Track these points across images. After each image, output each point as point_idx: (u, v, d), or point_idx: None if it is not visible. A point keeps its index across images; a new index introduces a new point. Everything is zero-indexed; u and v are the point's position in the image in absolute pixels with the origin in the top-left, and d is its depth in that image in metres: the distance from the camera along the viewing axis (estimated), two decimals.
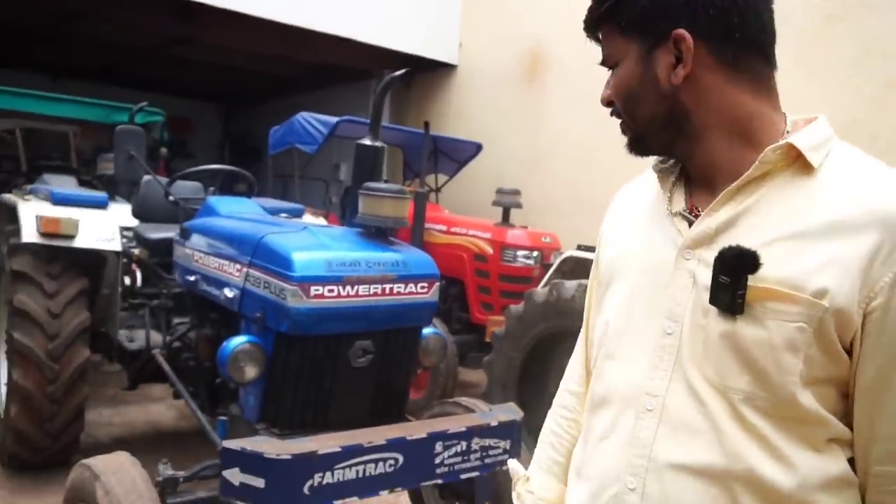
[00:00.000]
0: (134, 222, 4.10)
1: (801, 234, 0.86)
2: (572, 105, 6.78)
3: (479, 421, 2.32)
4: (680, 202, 1.01)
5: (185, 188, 4.20)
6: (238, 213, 3.11)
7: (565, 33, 6.56)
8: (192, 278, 2.91)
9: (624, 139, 1.04)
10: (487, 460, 2.30)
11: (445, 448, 2.18)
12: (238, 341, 2.28)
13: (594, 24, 1.00)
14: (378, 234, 2.44)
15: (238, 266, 2.49)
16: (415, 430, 2.17)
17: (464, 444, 2.22)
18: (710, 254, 0.90)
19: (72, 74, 12.29)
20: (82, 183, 5.99)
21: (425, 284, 2.44)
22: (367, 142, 2.53)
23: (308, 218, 4.18)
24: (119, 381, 4.07)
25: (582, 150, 6.64)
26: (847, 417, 0.89)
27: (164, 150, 7.31)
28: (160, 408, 4.91)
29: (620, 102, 1.00)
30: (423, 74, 8.67)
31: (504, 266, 5.27)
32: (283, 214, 3.82)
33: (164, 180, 3.63)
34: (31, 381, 3.38)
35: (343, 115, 5.87)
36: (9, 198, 4.07)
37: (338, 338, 2.32)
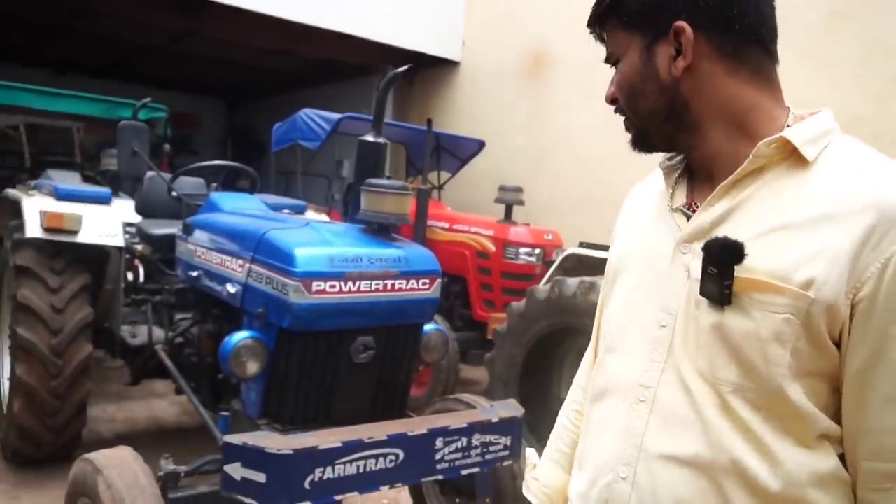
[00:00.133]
0: (137, 218, 4.11)
1: (790, 225, 0.86)
2: (575, 102, 6.77)
3: (479, 417, 2.32)
4: (681, 197, 1.02)
5: (188, 184, 4.21)
6: (241, 209, 3.12)
7: (568, 31, 6.56)
8: (194, 274, 2.92)
9: (627, 136, 1.05)
10: (488, 456, 2.30)
11: (446, 444, 2.18)
12: (240, 337, 2.28)
13: (597, 20, 1.02)
14: (380, 230, 2.44)
15: (240, 262, 2.50)
16: (415, 425, 2.18)
17: (464, 440, 2.23)
18: None
19: (76, 70, 12.29)
20: (86, 178, 5.99)
21: (427, 281, 2.45)
22: (369, 138, 2.53)
23: (311, 214, 4.18)
24: (121, 376, 4.08)
25: (585, 147, 6.64)
26: (839, 413, 0.88)
27: (167, 146, 7.31)
28: (162, 403, 4.92)
29: (623, 98, 1.01)
30: (426, 71, 8.67)
31: (506, 263, 5.27)
32: (286, 211, 3.82)
33: (168, 176, 3.64)
34: (35, 377, 3.39)
35: (346, 112, 5.87)
36: (13, 193, 4.08)
37: (339, 333, 2.32)
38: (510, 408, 2.44)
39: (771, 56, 0.95)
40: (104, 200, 3.95)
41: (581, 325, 3.54)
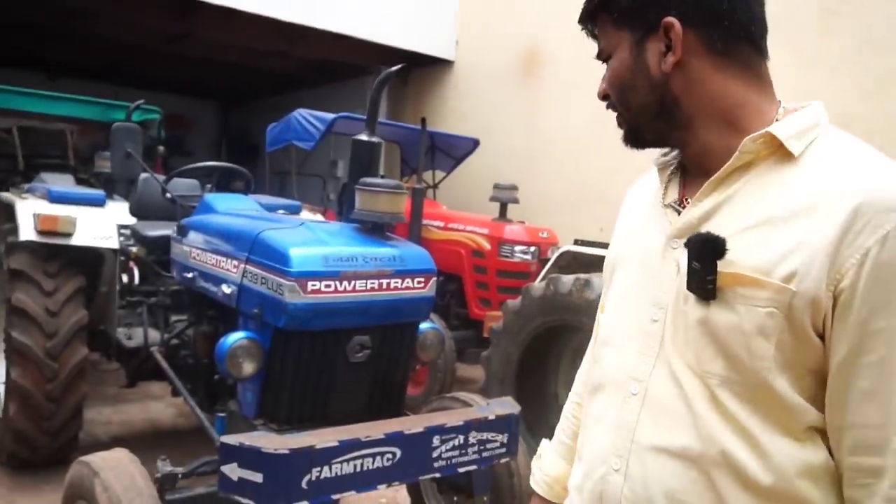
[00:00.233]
0: (131, 220, 4.10)
1: (773, 219, 0.87)
2: (569, 101, 6.78)
3: (476, 415, 2.33)
4: (673, 194, 1.04)
5: (183, 185, 4.21)
6: (235, 209, 3.12)
7: (561, 29, 6.56)
8: (189, 275, 2.91)
9: (620, 133, 1.06)
10: (485, 454, 2.31)
11: (443, 442, 2.19)
12: (236, 337, 2.28)
13: (589, 17, 1.03)
14: (375, 229, 2.44)
15: (235, 262, 2.49)
16: (412, 424, 2.18)
17: (461, 437, 2.23)
18: None
19: (69, 73, 12.25)
20: (80, 181, 5.97)
21: (422, 279, 2.45)
22: (363, 137, 2.53)
23: (305, 214, 4.19)
24: (117, 379, 4.07)
25: (579, 145, 6.65)
26: None
27: (161, 148, 7.29)
28: (159, 405, 4.91)
29: (615, 94, 1.02)
30: (419, 70, 8.67)
31: (501, 261, 5.28)
32: (281, 211, 3.82)
33: (162, 178, 3.63)
34: (30, 380, 3.38)
35: (340, 112, 5.87)
36: (6, 196, 4.07)
37: (335, 333, 2.32)
38: (506, 405, 2.45)
39: (760, 52, 0.96)
40: (98, 203, 3.94)
41: (577, 322, 3.55)
